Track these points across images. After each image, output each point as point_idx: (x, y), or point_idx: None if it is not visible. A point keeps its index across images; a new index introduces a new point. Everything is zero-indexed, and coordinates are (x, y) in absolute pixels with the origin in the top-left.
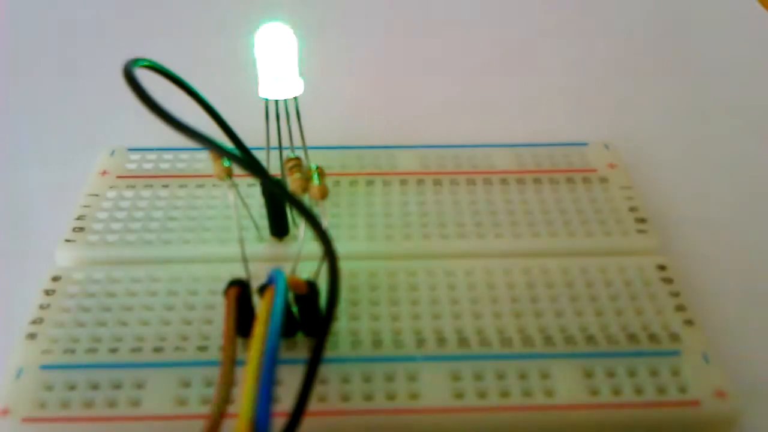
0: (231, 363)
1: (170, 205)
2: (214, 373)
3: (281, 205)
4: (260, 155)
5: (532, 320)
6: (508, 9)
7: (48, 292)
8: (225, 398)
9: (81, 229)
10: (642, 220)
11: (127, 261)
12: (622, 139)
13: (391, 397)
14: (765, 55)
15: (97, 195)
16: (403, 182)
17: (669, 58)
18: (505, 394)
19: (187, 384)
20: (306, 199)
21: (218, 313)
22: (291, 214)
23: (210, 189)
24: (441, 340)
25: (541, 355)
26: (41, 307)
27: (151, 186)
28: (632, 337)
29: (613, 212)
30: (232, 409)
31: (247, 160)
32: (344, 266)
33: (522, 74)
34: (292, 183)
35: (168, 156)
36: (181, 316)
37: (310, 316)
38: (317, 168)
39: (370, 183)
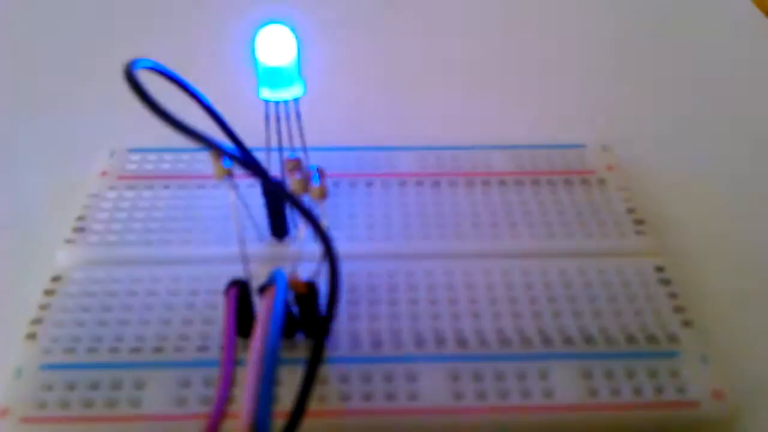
0: (231, 363)
1: (170, 205)
2: (214, 373)
3: (281, 205)
4: (260, 156)
5: (530, 321)
6: (507, 10)
7: (48, 292)
8: (225, 398)
9: (81, 229)
10: (640, 222)
11: (128, 261)
12: (621, 141)
13: (390, 397)
14: (762, 58)
15: (97, 195)
16: (402, 183)
17: (667, 61)
18: (503, 394)
19: (186, 384)
20: (306, 199)
21: (218, 313)
22: (291, 215)
23: (210, 189)
24: (440, 341)
25: (539, 356)
26: (41, 307)
27: (151, 186)
28: (631, 338)
29: (611, 214)
30: (232, 409)
31: (247, 160)
32: (344, 266)
33: (521, 76)
34: (292, 183)
35: (168, 157)
36: (181, 316)
37: (309, 316)
38: (317, 169)
39: (369, 184)
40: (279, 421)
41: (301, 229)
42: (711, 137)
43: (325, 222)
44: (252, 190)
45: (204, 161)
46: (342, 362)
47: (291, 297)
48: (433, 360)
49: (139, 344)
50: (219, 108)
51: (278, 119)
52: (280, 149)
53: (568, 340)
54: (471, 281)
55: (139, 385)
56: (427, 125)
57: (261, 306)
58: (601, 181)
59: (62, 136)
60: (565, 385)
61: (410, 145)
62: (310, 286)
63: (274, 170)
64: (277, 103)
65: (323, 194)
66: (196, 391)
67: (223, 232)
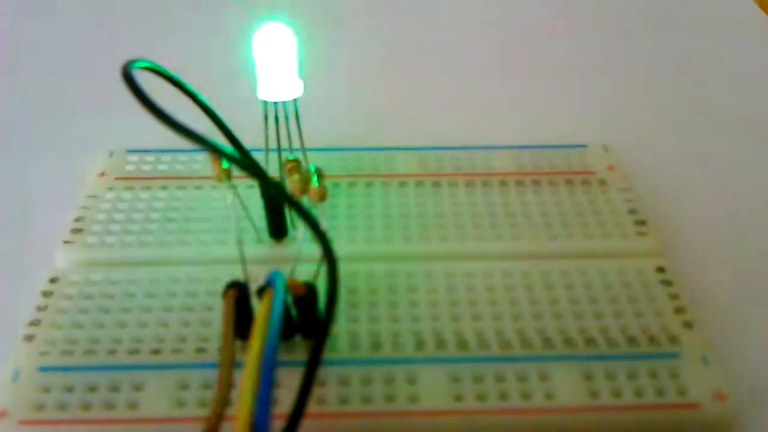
0: (229, 365)
1: (169, 206)
2: (213, 375)
3: (280, 206)
4: (259, 157)
5: (531, 322)
6: (507, 10)
7: (46, 294)
8: (223, 400)
9: (79, 230)
10: (641, 222)
11: (126, 262)
12: (622, 141)
13: (390, 399)
14: (763, 57)
15: (95, 196)
16: (402, 184)
17: (668, 61)
18: (504, 396)
19: (185, 386)
20: (305, 200)
21: (217, 314)
22: (290, 216)
23: (208, 191)
24: (440, 342)
25: (540, 358)
26: (39, 308)
27: (149, 187)
28: (632, 340)
29: (612, 214)
30: (230, 411)
31: (245, 161)
32: (343, 268)
33: (521, 76)
34: (291, 184)
35: (166, 158)
36: (179, 317)
37: (308, 318)
38: (316, 169)
39: (369, 185)
40: (278, 423)
41: (300, 231)
42: (713, 137)
43: (324, 223)
44: (251, 191)
45: (202, 162)
46: (341, 364)
47: (290, 299)
48: (433, 362)
49: (137, 346)
50: (217, 108)
51: (277, 119)
52: (279, 150)
53: (569, 342)
54: (471, 282)
55: (137, 387)
56: (426, 125)
57: (259, 308)
58: (602, 182)
59: (60, 136)
60: (565, 386)
61: (410, 145)
62: (309, 288)
63: (273, 171)
64: (275, 103)
65: (322, 195)
66: (194, 394)
67: (222, 233)
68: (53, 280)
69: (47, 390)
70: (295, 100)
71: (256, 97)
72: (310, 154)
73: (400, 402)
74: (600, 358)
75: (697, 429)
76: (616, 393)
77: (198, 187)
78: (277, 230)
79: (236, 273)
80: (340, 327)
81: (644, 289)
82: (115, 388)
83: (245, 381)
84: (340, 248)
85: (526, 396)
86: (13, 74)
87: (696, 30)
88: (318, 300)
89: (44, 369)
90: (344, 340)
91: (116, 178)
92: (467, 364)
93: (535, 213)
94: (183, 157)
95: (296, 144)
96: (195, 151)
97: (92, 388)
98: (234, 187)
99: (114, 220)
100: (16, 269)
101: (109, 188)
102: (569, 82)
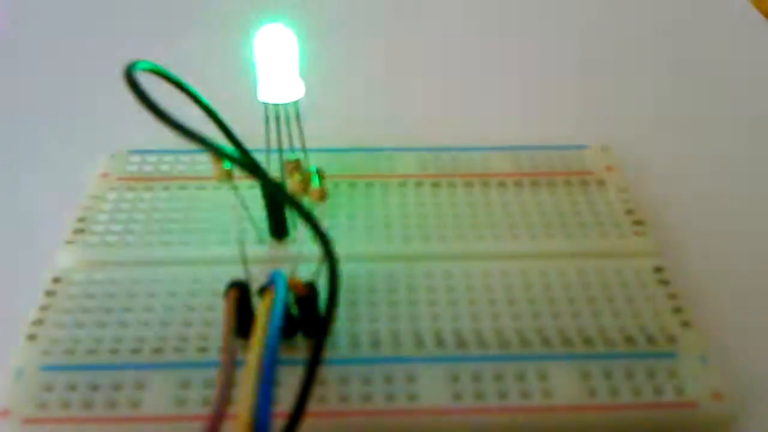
0: (231, 364)
1: (170, 207)
2: (214, 374)
3: (281, 207)
4: (260, 157)
5: (529, 322)
6: (506, 11)
7: (48, 294)
8: (225, 399)
9: (82, 230)
10: (639, 223)
11: (128, 262)
12: (620, 142)
13: (389, 398)
14: (762, 57)
15: (97, 197)
16: (402, 184)
17: (667, 61)
18: (503, 395)
19: (187, 385)
20: (305, 201)
21: (218, 314)
22: (291, 216)
23: (210, 191)
24: (439, 342)
25: (538, 357)
26: (42, 308)
27: (151, 188)
28: (629, 339)
29: (611, 214)
30: (231, 410)
31: (247, 162)
32: (343, 268)
33: (520, 77)
34: (292, 185)
35: (168, 158)
36: (181, 317)
37: (309, 317)
38: (317, 170)
39: (369, 185)
40: (279, 422)
41: (300, 231)
42: (710, 138)
43: (324, 223)
44: (252, 192)
45: (204, 163)
46: (341, 363)
47: (290, 298)
48: (433, 361)
49: (139, 345)
50: (218, 109)
51: (278, 120)
52: (280, 150)
53: (567, 341)
54: (470, 282)
55: (140, 386)
56: (426, 126)
57: (260, 307)
58: (601, 182)
59: (62, 137)
60: (564, 385)
61: (410, 145)
62: (310, 288)
63: (274, 172)
64: (276, 104)
65: (323, 195)
66: (196, 392)
67: (223, 233)
68: (56, 280)
69: (50, 389)
70: (296, 101)
71: (257, 98)
72: (310, 155)
73: (399, 401)
74: (598, 357)
75: (694, 428)
76: (614, 392)
77: (200, 188)
78: (278, 230)
79: (237, 273)
80: (341, 326)
81: (642, 288)
82: (117, 387)
83: (246, 380)
84: (340, 248)
85: (524, 395)
86: (15, 74)
87: (694, 30)
88: (318, 299)
89: (47, 368)
90: (344, 339)
91: (118, 179)
92: (466, 363)
93: (534, 213)
94: (185, 157)
95: (297, 145)
96: (197, 151)
97: (95, 387)
98: (235, 188)
99: (116, 220)
100: (19, 269)
101: (111, 188)
102: (569, 82)
